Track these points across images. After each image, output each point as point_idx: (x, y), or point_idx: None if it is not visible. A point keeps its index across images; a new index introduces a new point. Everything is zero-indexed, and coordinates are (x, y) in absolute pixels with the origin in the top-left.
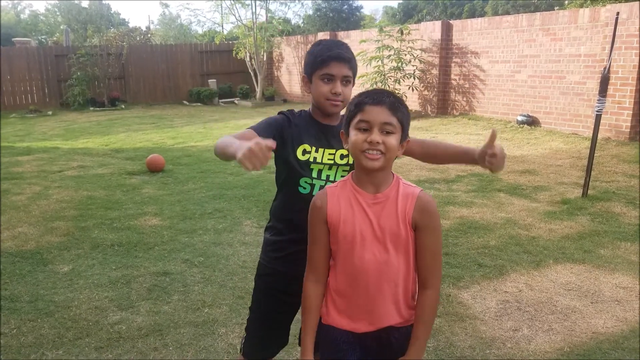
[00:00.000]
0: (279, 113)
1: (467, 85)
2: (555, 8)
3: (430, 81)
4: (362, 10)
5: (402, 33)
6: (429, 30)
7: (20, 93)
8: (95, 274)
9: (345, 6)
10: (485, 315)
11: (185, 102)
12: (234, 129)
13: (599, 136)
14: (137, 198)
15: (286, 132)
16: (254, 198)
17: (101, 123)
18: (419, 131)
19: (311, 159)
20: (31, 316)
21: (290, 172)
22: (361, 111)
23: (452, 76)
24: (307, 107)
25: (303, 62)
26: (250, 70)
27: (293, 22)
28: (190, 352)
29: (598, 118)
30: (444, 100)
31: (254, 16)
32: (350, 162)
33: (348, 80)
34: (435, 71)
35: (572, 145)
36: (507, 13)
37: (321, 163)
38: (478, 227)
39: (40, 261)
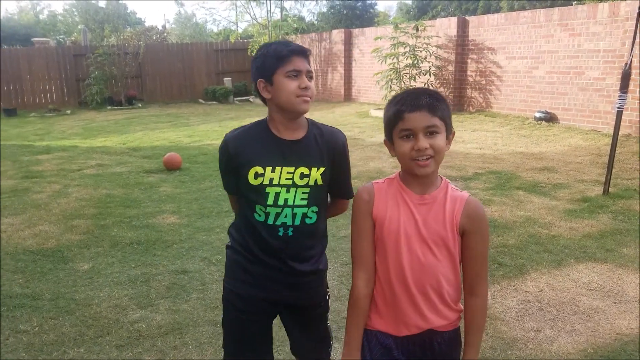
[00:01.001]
0: (220, 146)
1: (483, 82)
2: (574, 3)
3: (446, 78)
4: (376, 7)
5: (417, 29)
6: (445, 27)
7: (40, 92)
8: (114, 272)
9: (359, 3)
10: (506, 315)
11: (200, 100)
12: None
13: (619, 132)
14: (155, 196)
15: (232, 161)
16: None
17: (119, 122)
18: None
19: (266, 182)
20: (52, 314)
21: (246, 198)
22: (401, 120)
23: (469, 72)
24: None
25: (253, 69)
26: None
27: (307, 19)
28: (210, 351)
29: (619, 114)
30: (460, 97)
31: (269, 14)
32: (311, 183)
33: (311, 76)
34: (451, 68)
35: (591, 142)
36: (523, 8)
37: (278, 185)
38: (497, 226)
39: (61, 259)
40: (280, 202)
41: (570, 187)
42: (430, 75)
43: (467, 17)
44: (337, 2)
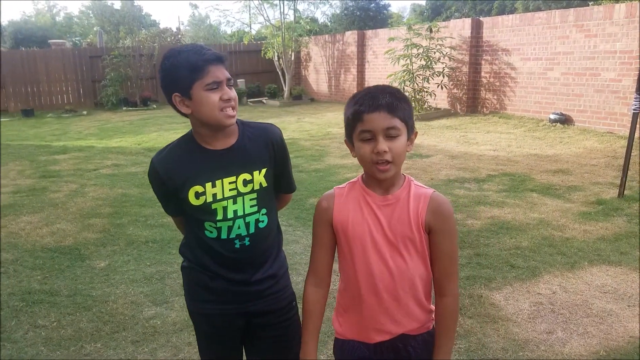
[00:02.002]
0: (149, 171)
1: (497, 83)
2: (590, 3)
3: (460, 79)
4: (389, 8)
5: (431, 31)
6: (459, 28)
7: (57, 93)
8: (130, 269)
9: (373, 4)
10: (518, 317)
11: None
12: None
13: (635, 135)
14: None
15: (168, 185)
16: None
17: (134, 122)
18: (448, 130)
19: (209, 199)
20: (70, 310)
21: (192, 218)
22: (360, 121)
23: (483, 74)
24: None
25: (164, 80)
26: (278, 70)
27: (320, 21)
28: None
29: (635, 116)
30: (474, 99)
31: (282, 16)
32: (256, 187)
33: (231, 84)
34: (465, 69)
35: (607, 144)
36: (539, 9)
37: (223, 199)
38: (510, 228)
39: (78, 257)
40: (230, 215)
41: (585, 190)
42: (443, 76)
43: (481, 18)
44: (351, 4)
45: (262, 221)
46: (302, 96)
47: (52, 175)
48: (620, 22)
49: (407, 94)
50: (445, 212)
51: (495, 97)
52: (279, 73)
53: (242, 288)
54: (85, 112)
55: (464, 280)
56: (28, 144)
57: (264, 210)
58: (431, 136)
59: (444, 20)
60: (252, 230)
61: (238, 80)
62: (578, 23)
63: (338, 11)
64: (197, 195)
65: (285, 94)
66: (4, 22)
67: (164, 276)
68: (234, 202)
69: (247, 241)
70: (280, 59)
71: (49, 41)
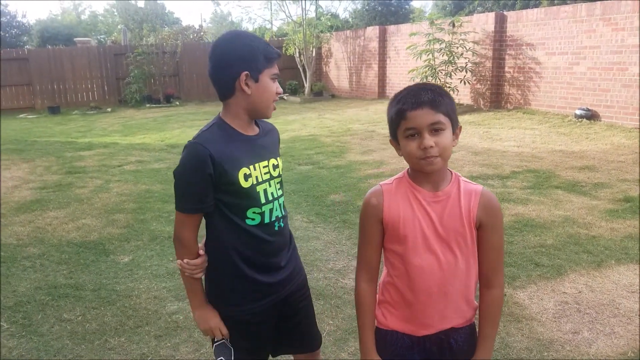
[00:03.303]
0: (189, 147)
1: (522, 78)
2: None
3: (483, 74)
4: (411, 3)
5: (453, 25)
6: (482, 22)
7: (82, 91)
8: (153, 264)
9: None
10: (543, 316)
11: None
12: (283, 124)
13: None
14: None
15: (217, 168)
16: (303, 193)
17: (157, 119)
18: (471, 125)
19: (254, 181)
20: (95, 304)
21: (232, 207)
22: (404, 118)
23: (506, 69)
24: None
25: (235, 56)
26: (299, 66)
27: (342, 17)
28: None
29: None
30: (497, 94)
31: (304, 12)
32: (281, 172)
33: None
34: (488, 64)
35: (635, 140)
36: (564, 3)
37: (263, 182)
38: (534, 225)
39: (103, 252)
40: (270, 197)
41: (612, 187)
42: (466, 71)
43: (505, 12)
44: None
45: (283, 203)
46: (323, 92)
47: (78, 171)
48: None
49: None
50: (495, 207)
51: (519, 92)
52: (300, 69)
53: (276, 276)
54: (109, 109)
55: None
56: (54, 140)
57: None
58: None
59: (466, 15)
60: (283, 212)
61: None
62: (605, 16)
63: (359, 7)
64: (246, 177)
65: (306, 90)
66: (32, 21)
67: None
68: (270, 185)
69: (282, 222)
70: (302, 55)
71: (75, 39)
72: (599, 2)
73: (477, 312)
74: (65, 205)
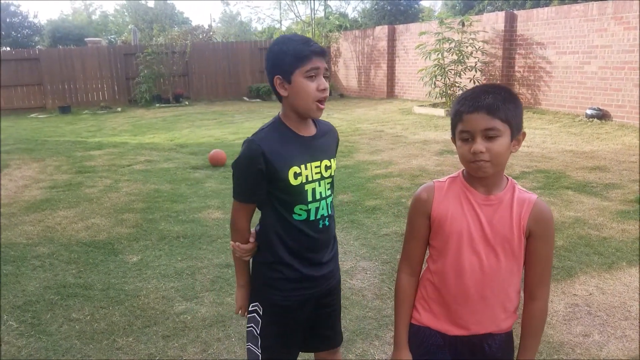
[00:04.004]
0: (246, 143)
1: (532, 78)
2: None
3: (493, 74)
4: (420, 2)
5: (463, 25)
6: (492, 21)
7: (92, 90)
8: (162, 264)
9: None
10: (553, 318)
11: (245, 98)
12: None
13: None
14: (201, 192)
15: (269, 165)
16: None
17: (166, 119)
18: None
19: (304, 180)
20: (103, 304)
21: (282, 202)
22: (460, 121)
23: (516, 68)
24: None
25: (270, 62)
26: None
27: (351, 16)
28: None
29: None
30: None
31: (312, 12)
32: (332, 173)
33: (327, 76)
34: (498, 63)
35: None
36: (575, 1)
37: (312, 181)
38: None
39: (111, 251)
40: (317, 196)
41: (623, 187)
42: (476, 71)
43: (515, 11)
44: None
45: (332, 203)
46: (331, 92)
47: (88, 170)
48: None
49: (438, 89)
50: (547, 218)
51: (529, 91)
52: None
53: (319, 271)
54: (119, 109)
55: None
56: (65, 140)
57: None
58: None
59: (476, 14)
60: (330, 211)
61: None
62: (617, 15)
63: (368, 6)
64: (296, 175)
65: None
66: (43, 21)
67: (194, 271)
68: (319, 185)
69: (327, 221)
70: None
71: (85, 39)
72: (610, 1)
73: (519, 323)
74: (74, 204)
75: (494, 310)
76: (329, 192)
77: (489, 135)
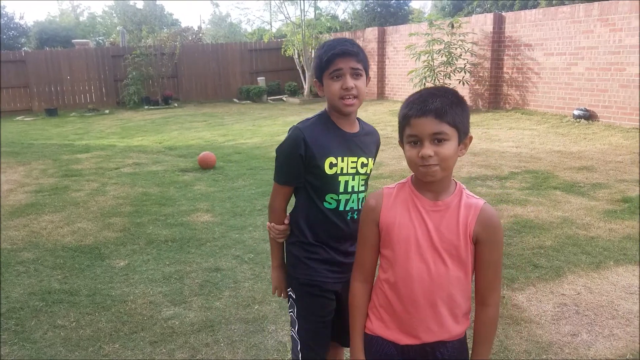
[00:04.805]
0: (291, 130)
1: (520, 79)
2: None
3: (482, 75)
4: (410, 4)
5: (452, 26)
6: (480, 23)
7: (80, 92)
8: (149, 269)
9: (393, 1)
10: (542, 318)
11: (235, 99)
12: (282, 126)
13: None
14: (190, 195)
15: (308, 151)
16: None
17: (155, 121)
18: (470, 126)
19: (338, 171)
20: (89, 310)
21: (315, 189)
22: (408, 125)
23: (505, 69)
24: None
25: (312, 67)
26: (298, 68)
27: (341, 18)
28: (241, 349)
29: None
30: (495, 94)
31: (302, 14)
32: (368, 171)
33: (358, 73)
34: (487, 64)
35: (633, 140)
36: (562, 3)
37: (347, 174)
38: (533, 227)
39: (98, 256)
40: (349, 189)
41: (610, 187)
42: (465, 72)
43: (503, 13)
44: (371, 1)
45: (364, 198)
46: None
47: (74, 174)
48: None
49: None
50: (494, 224)
51: (517, 92)
52: (299, 71)
53: (344, 258)
54: (107, 111)
55: None
56: (51, 143)
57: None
58: None
59: (465, 16)
60: (359, 206)
61: (258, 78)
62: (603, 17)
63: (358, 8)
64: (331, 165)
65: (305, 91)
66: (30, 23)
67: (182, 276)
68: (353, 179)
69: (355, 215)
70: (301, 57)
71: (73, 41)
72: (596, 3)
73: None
74: (60, 208)
75: (443, 318)
76: (362, 188)
77: (437, 139)
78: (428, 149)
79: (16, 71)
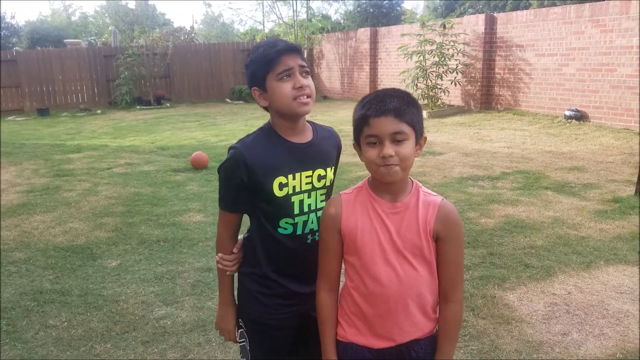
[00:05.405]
0: (230, 151)
1: (512, 79)
2: None
3: (474, 75)
4: (402, 5)
5: (444, 27)
6: (472, 24)
7: (71, 92)
8: (141, 269)
9: (386, 1)
10: (532, 318)
11: (227, 100)
12: None
13: None
14: (182, 195)
15: (251, 175)
16: None
17: (147, 121)
18: (461, 127)
19: (290, 191)
20: (81, 309)
21: (266, 214)
22: (367, 125)
23: (497, 70)
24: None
25: (247, 77)
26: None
27: (333, 18)
28: (233, 349)
29: None
30: (487, 95)
31: (295, 14)
32: (327, 183)
33: (307, 71)
34: (478, 65)
35: (623, 140)
36: (554, 4)
37: (300, 192)
38: (524, 227)
39: (90, 256)
40: (305, 209)
41: (601, 187)
42: (457, 73)
43: (495, 14)
44: (364, 1)
45: None
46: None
47: (66, 174)
48: (637, 17)
49: (419, 91)
50: (453, 220)
51: (509, 93)
52: None
53: (303, 288)
54: (99, 111)
55: (477, 280)
56: (43, 143)
57: None
58: (444, 133)
59: (457, 17)
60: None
61: None
62: (594, 18)
63: (351, 8)
64: (281, 186)
65: None
66: (21, 23)
67: (174, 276)
68: (309, 196)
69: (316, 236)
70: None
71: (65, 41)
72: (587, 4)
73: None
74: (52, 208)
75: (416, 317)
76: (322, 204)
77: (397, 139)
78: (389, 149)
79: (8, 71)
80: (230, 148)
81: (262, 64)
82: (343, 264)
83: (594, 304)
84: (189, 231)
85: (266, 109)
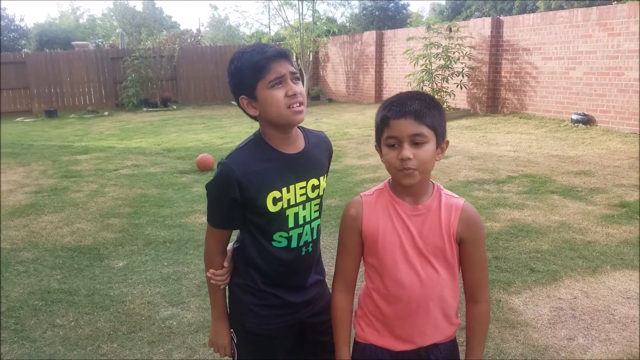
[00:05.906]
0: (220, 166)
1: (518, 83)
2: (613, 2)
3: (480, 79)
4: (408, 8)
5: (450, 30)
6: (479, 27)
7: (79, 94)
8: (148, 269)
9: (392, 4)
10: (538, 322)
11: (233, 102)
12: None
13: None
14: (188, 196)
15: (244, 193)
16: None
17: (154, 123)
18: (467, 130)
19: (285, 205)
20: (88, 309)
21: (260, 228)
22: (387, 126)
23: (503, 73)
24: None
25: (231, 84)
26: (296, 70)
27: (339, 21)
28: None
29: None
30: (493, 99)
31: (301, 17)
32: (320, 193)
33: (298, 78)
34: (484, 68)
35: (631, 145)
36: (561, 8)
37: (295, 205)
38: (530, 231)
39: (97, 256)
40: (300, 221)
41: (608, 192)
42: (463, 76)
43: (501, 17)
44: (369, 4)
45: (319, 226)
46: (320, 97)
47: (74, 175)
48: None
49: None
50: (475, 222)
51: (515, 97)
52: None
53: (298, 297)
54: (106, 113)
55: None
56: (51, 144)
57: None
58: (450, 137)
59: (463, 20)
60: (315, 236)
61: None
62: (601, 22)
63: (357, 11)
64: (275, 201)
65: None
66: (30, 25)
67: (180, 276)
68: (304, 208)
69: (310, 247)
70: (299, 60)
71: (72, 43)
72: (595, 7)
73: (462, 329)
74: (60, 209)
75: (437, 320)
76: (315, 215)
77: (416, 142)
78: (407, 151)
79: (16, 72)
80: (219, 164)
81: (252, 72)
82: (362, 265)
83: (600, 309)
84: (194, 232)
85: (255, 118)
